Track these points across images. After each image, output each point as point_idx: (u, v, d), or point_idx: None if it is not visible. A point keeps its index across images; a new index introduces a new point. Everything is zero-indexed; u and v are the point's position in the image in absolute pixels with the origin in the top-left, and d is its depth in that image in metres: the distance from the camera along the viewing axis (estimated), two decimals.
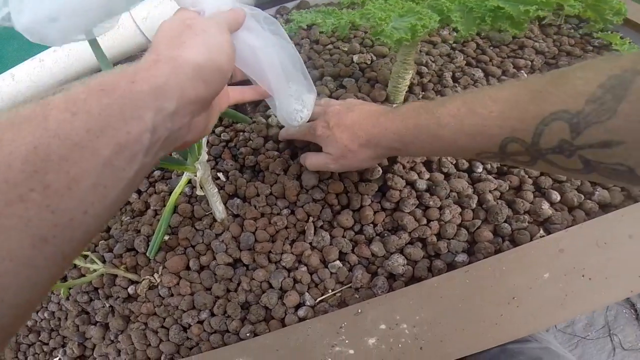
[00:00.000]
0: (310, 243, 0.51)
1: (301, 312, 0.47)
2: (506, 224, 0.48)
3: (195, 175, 0.49)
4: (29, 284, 0.18)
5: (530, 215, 0.48)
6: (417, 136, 0.39)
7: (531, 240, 0.46)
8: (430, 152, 0.44)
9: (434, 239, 0.49)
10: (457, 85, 0.62)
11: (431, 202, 0.49)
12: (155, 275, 0.55)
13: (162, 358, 0.51)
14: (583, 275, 0.42)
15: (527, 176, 0.52)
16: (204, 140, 0.51)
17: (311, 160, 0.49)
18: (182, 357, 0.49)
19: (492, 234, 0.48)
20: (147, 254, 0.54)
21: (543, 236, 0.46)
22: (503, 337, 0.41)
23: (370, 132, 0.43)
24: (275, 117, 0.61)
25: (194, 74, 0.26)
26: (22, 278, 0.18)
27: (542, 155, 0.30)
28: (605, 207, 0.49)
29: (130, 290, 0.55)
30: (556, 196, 0.49)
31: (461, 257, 0.46)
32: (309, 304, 0.47)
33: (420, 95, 0.61)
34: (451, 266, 0.47)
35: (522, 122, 0.30)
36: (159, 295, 0.54)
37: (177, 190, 0.52)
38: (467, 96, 0.35)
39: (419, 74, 0.65)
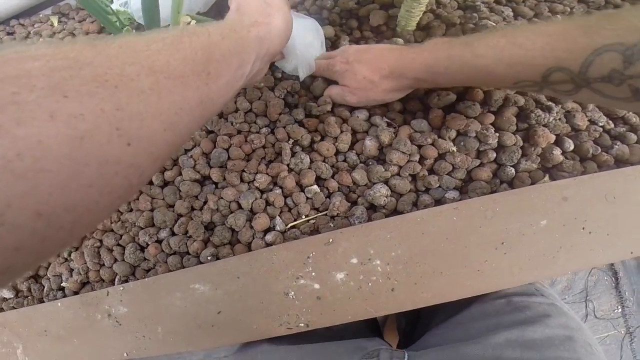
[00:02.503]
0: (288, 165, 0.46)
1: (269, 237, 0.42)
2: (511, 168, 0.42)
3: None
4: (187, 127, 0.25)
5: (540, 159, 0.43)
6: (449, 66, 0.39)
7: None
8: (461, 81, 0.41)
9: (425, 172, 0.43)
10: (479, 21, 0.53)
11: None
12: None
13: (116, 280, 0.47)
14: (583, 228, 0.38)
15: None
16: None
17: (330, 91, 0.49)
18: (138, 279, 0.45)
19: (492, 175, 0.42)
20: None
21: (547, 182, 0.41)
22: (483, 287, 0.37)
23: (395, 64, 0.43)
24: None
25: (277, 34, 0.38)
26: (188, 118, 0.25)
27: (588, 83, 0.32)
28: (621, 163, 0.43)
29: None
30: (569, 144, 0.43)
31: (452, 194, 0.41)
32: (279, 229, 0.43)
33: (437, 27, 0.53)
34: (440, 203, 0.42)
35: (571, 52, 0.31)
36: (117, 210, 0.49)
37: None
38: (506, 30, 0.36)
39: (439, 2, 0.56)
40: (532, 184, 0.41)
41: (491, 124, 0.45)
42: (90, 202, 0.18)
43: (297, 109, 0.49)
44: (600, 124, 0.46)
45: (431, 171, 0.44)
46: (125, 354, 0.44)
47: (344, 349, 0.44)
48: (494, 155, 0.43)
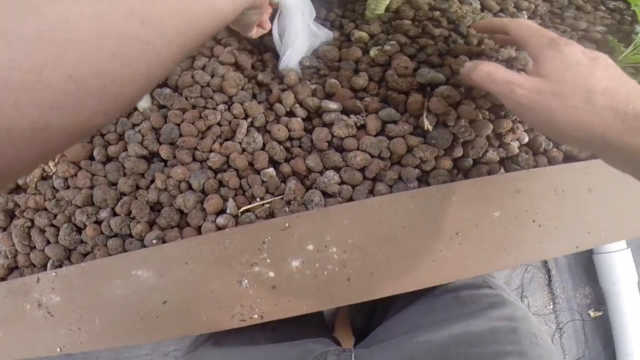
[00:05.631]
0: (240, 143, 0.43)
1: (221, 220, 0.40)
2: (469, 159, 0.42)
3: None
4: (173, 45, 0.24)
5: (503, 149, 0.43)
6: None
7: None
8: None
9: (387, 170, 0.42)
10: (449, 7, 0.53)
11: None
12: (51, 163, 0.45)
13: (49, 265, 0.42)
14: (534, 221, 0.39)
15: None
16: None
17: (494, 70, 0.33)
18: (73, 265, 0.41)
19: (453, 164, 0.42)
20: None
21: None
22: (437, 279, 0.37)
23: None
24: None
25: None
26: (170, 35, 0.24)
27: None
28: (570, 160, 0.45)
29: (19, 179, 0.45)
30: (524, 137, 0.44)
31: (411, 185, 0.40)
32: (231, 212, 0.40)
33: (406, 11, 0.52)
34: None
35: None
36: (53, 187, 0.44)
37: None
38: None
39: None
40: (489, 174, 0.42)
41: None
42: (114, 72, 0.21)
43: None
44: None
45: (398, 163, 0.42)
46: (58, 349, 0.40)
47: (290, 355, 0.43)
48: (461, 151, 0.42)
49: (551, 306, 1.18)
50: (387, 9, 0.51)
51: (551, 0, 0.59)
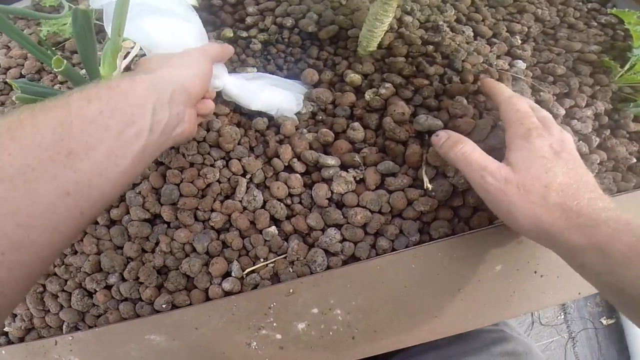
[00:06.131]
0: (241, 202, 0.43)
1: (227, 285, 0.41)
2: (469, 207, 0.42)
3: None
4: (51, 227, 0.22)
5: None
6: None
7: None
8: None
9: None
10: (442, 41, 0.51)
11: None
12: None
13: (64, 327, 0.44)
14: (535, 272, 0.39)
15: None
16: (115, 73, 0.39)
17: (470, 152, 0.34)
18: (89, 326, 0.43)
19: (453, 214, 0.42)
20: None
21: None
22: (440, 332, 0.38)
23: (594, 212, 0.29)
24: None
25: (183, 78, 0.33)
26: (46, 221, 0.22)
27: None
28: None
29: None
30: None
31: (413, 238, 0.41)
32: (236, 275, 0.41)
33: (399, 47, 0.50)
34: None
35: None
36: (61, 253, 0.45)
37: None
38: None
39: (400, 21, 0.54)
40: (490, 222, 0.42)
41: None
42: None
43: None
44: None
45: (399, 215, 0.42)
46: None
47: None
48: (462, 200, 0.42)
49: (562, 316, 1.19)
50: (379, 46, 0.49)
51: (543, 20, 0.57)
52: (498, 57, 0.52)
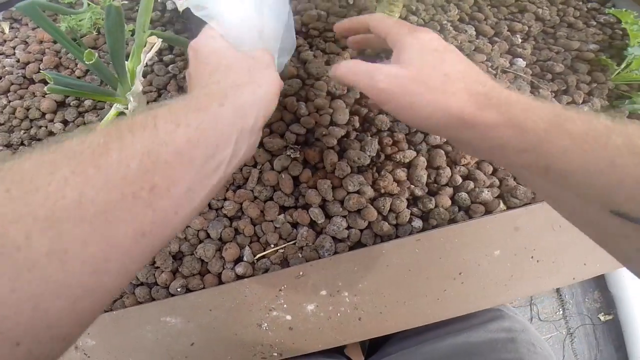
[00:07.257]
0: (252, 191, 0.46)
1: (239, 269, 0.43)
2: (466, 194, 0.44)
3: (127, 108, 0.40)
4: (124, 270, 0.20)
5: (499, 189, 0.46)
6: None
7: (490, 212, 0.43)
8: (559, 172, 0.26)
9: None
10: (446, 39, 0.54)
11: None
12: None
13: None
14: (532, 257, 0.41)
15: None
16: (139, 67, 0.41)
17: (356, 62, 0.32)
18: (105, 310, 0.45)
19: (451, 201, 0.45)
20: None
21: (504, 210, 0.43)
22: (443, 314, 0.40)
23: (505, 93, 0.28)
24: None
25: (265, 97, 0.29)
26: (120, 265, 0.19)
27: None
28: None
29: None
30: None
31: (416, 223, 0.43)
32: (248, 259, 0.43)
33: None
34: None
35: None
36: None
37: (103, 124, 0.43)
38: None
39: (405, 20, 0.56)
40: (488, 211, 0.44)
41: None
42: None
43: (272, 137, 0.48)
44: None
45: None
46: None
47: None
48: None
49: (561, 312, 1.21)
50: None
51: (543, 19, 0.59)
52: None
